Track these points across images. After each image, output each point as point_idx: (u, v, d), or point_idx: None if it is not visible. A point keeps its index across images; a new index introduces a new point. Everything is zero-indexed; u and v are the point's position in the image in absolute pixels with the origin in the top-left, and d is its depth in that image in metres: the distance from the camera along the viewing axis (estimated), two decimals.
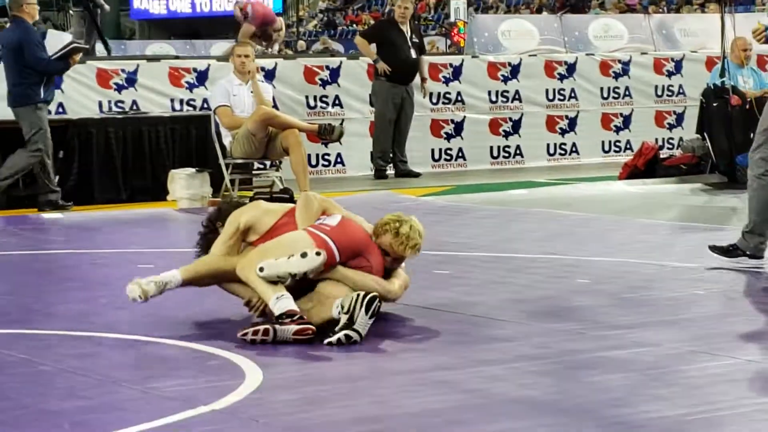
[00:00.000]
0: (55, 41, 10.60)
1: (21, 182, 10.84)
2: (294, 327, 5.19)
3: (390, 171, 12.89)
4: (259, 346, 5.20)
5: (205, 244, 5.84)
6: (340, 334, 5.15)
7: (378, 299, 5.27)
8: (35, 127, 10.30)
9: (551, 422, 4.04)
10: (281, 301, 5.28)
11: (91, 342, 5.34)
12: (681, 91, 14.83)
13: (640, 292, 6.38)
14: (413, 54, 12.87)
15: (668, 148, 14.36)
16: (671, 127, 14.81)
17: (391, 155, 12.88)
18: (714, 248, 7.15)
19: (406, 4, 12.96)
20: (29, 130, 10.32)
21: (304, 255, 5.31)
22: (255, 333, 5.20)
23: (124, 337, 5.40)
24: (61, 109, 11.95)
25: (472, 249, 7.99)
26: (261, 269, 5.33)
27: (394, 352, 5.21)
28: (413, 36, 12.98)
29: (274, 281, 5.32)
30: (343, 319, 5.20)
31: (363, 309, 5.18)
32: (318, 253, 5.32)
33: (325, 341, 5.14)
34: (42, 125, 10.36)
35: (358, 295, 5.24)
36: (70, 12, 14.01)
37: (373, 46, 12.93)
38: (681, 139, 14.24)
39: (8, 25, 10.93)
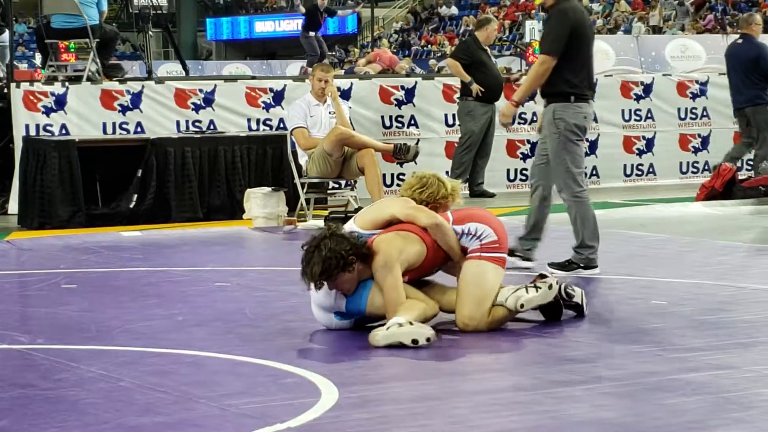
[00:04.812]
0: None
1: (100, 201, 11.06)
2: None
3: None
4: (336, 364, 5.24)
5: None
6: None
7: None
8: (763, 122, 12.34)
9: None
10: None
11: (169, 359, 5.41)
12: None
13: (718, 314, 6.31)
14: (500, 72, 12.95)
15: (746, 170, 14.19)
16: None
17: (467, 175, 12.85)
18: None
19: (495, 26, 13.19)
20: (763, 126, 12.36)
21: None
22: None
23: (202, 354, 5.46)
24: (139, 129, 12.13)
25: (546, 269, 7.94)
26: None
27: (469, 372, 5.20)
28: None
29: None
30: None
31: None
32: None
33: None
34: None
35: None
36: (150, 33, 14.21)
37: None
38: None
39: (740, 41, 12.85)
